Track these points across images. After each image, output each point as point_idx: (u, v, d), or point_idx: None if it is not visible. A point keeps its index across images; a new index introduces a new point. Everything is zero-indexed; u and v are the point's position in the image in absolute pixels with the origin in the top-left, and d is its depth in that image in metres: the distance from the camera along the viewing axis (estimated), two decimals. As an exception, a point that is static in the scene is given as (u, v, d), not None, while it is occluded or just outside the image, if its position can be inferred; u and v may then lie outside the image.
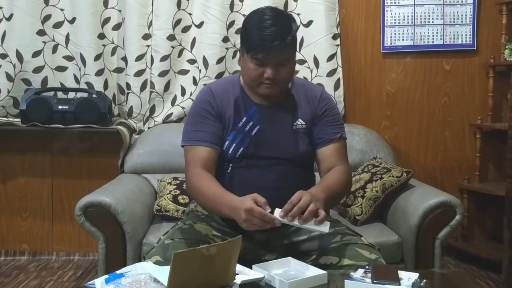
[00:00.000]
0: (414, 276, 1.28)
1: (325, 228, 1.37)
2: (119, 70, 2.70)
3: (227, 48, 2.66)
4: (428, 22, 2.74)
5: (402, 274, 1.29)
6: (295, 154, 1.60)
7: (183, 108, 2.69)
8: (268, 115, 1.62)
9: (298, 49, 2.68)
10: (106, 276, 1.26)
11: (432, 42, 2.76)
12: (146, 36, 2.66)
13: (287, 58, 1.53)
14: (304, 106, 1.65)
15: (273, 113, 1.62)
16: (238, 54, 1.84)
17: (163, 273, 1.21)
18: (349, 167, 1.66)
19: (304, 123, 1.63)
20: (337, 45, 2.70)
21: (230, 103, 1.62)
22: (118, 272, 1.29)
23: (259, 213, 1.33)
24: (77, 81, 2.69)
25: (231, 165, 1.60)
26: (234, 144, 1.59)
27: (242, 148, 1.58)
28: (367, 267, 1.33)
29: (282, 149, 1.59)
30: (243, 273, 1.29)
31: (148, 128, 2.71)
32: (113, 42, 2.69)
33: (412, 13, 2.74)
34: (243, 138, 1.59)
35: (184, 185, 2.21)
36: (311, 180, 1.68)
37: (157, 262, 1.44)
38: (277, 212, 1.36)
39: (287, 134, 1.61)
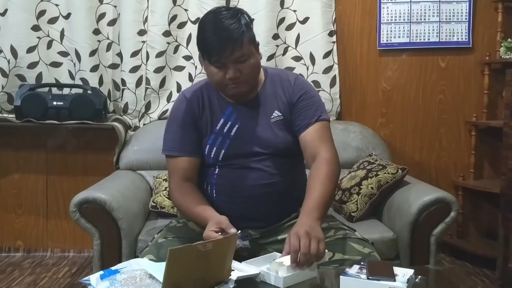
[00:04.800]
0: (409, 272, 1.28)
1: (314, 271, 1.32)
2: (114, 66, 2.69)
3: (223, 45, 2.66)
4: (424, 19, 2.75)
5: (397, 270, 1.29)
6: (277, 147, 1.58)
7: (178, 104, 2.69)
8: (245, 112, 1.60)
9: (294, 46, 2.68)
10: (101, 272, 1.26)
11: (428, 39, 2.76)
12: (142, 32, 2.65)
13: (244, 54, 1.49)
14: (281, 95, 1.62)
15: (250, 110, 1.61)
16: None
17: (158, 269, 1.21)
18: (333, 149, 1.55)
19: (280, 114, 1.60)
20: (333, 42, 2.70)
21: (206, 107, 1.61)
22: (113, 268, 1.28)
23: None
24: (72, 77, 2.68)
25: (217, 167, 1.60)
26: (215, 148, 1.58)
27: (223, 151, 1.58)
28: (362, 263, 1.33)
29: (263, 144, 1.57)
30: (239, 269, 1.29)
31: (144, 124, 2.70)
32: (108, 38, 2.68)
33: (408, 10, 2.74)
34: (223, 140, 1.58)
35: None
36: (300, 171, 1.66)
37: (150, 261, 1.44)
38: (282, 259, 1.30)
39: (265, 128, 1.59)
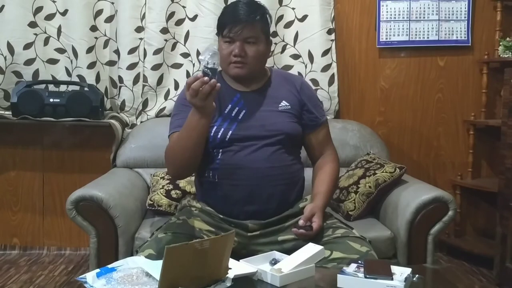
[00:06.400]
0: (407, 271, 1.28)
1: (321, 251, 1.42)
2: (111, 63, 2.68)
3: (221, 42, 2.65)
4: (424, 17, 2.74)
5: (394, 269, 1.29)
6: (283, 131, 1.63)
7: (176, 102, 2.68)
8: (252, 99, 1.66)
9: (293, 44, 2.68)
10: (98, 270, 1.25)
11: (427, 37, 2.75)
12: (139, 29, 2.63)
13: (254, 37, 1.60)
14: (286, 91, 1.71)
15: (257, 98, 1.67)
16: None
17: (155, 267, 1.21)
18: (335, 148, 1.79)
19: (288, 104, 1.68)
20: (332, 40, 2.69)
21: None
22: (109, 266, 1.28)
23: (193, 78, 1.41)
24: (68, 74, 2.66)
25: (221, 150, 1.61)
26: (222, 129, 1.61)
27: (231, 132, 1.61)
28: (359, 262, 1.33)
29: (270, 128, 1.62)
30: (236, 268, 1.28)
31: (141, 122, 2.69)
32: (105, 35, 2.66)
33: (407, 8, 2.73)
34: (230, 123, 1.63)
35: (177, 180, 2.20)
36: (299, 160, 1.73)
37: (150, 255, 1.45)
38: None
39: (274, 114, 1.65)
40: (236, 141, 1.60)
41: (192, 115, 1.49)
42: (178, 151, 1.56)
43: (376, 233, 1.98)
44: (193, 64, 2.66)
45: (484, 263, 2.56)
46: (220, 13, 1.70)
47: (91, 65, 2.64)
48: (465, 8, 2.74)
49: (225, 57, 1.62)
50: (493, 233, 2.39)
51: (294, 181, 1.66)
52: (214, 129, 1.61)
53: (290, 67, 2.67)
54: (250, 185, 1.57)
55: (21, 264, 2.64)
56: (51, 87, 2.64)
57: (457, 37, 2.76)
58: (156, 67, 2.65)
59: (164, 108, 2.68)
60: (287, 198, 1.64)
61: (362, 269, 1.27)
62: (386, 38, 2.76)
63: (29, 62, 2.64)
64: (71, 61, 2.65)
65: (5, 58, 2.61)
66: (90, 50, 2.63)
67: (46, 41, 2.64)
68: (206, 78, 1.40)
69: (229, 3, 1.71)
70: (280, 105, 1.67)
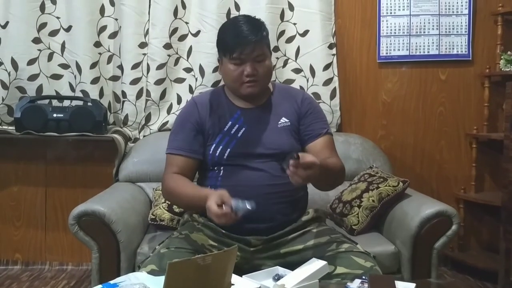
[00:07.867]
0: (411, 286, 1.28)
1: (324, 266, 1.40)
2: (115, 78, 2.70)
3: (223, 57, 2.67)
4: (424, 32, 2.76)
5: (399, 284, 1.28)
6: (282, 149, 1.62)
7: (179, 116, 2.69)
8: (253, 116, 1.67)
9: (294, 59, 2.69)
10: (100, 286, 1.25)
11: (428, 52, 2.77)
12: (143, 45, 2.65)
13: (263, 54, 1.62)
14: (287, 106, 1.71)
15: (258, 115, 1.68)
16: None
17: (157, 283, 1.20)
18: (341, 160, 1.72)
19: (288, 121, 1.68)
20: (333, 55, 2.70)
21: (214, 111, 1.67)
22: (112, 282, 1.27)
23: (223, 214, 1.40)
24: (72, 89, 2.68)
25: (222, 168, 1.61)
26: (221, 146, 1.62)
27: (229, 149, 1.62)
28: (364, 277, 1.32)
29: (269, 146, 1.63)
30: (239, 284, 1.27)
31: (144, 136, 2.70)
32: (109, 51, 2.69)
33: (407, 23, 2.75)
34: (229, 140, 1.63)
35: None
36: None
37: (152, 271, 1.44)
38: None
39: (273, 131, 1.66)
40: (235, 159, 1.61)
41: (202, 198, 1.46)
42: (174, 201, 1.71)
43: (380, 248, 1.97)
44: (196, 79, 2.68)
45: (489, 278, 2.53)
46: (220, 32, 1.69)
47: (95, 80, 2.66)
48: (466, 22, 2.76)
49: (236, 78, 1.62)
50: (497, 247, 2.37)
51: (296, 198, 1.65)
52: (213, 147, 1.62)
53: (292, 81, 2.68)
54: None
55: (23, 279, 2.63)
56: (55, 102, 2.66)
57: (457, 51, 2.78)
58: (159, 82, 2.67)
59: (167, 122, 2.69)
60: (289, 216, 1.63)
61: (366, 285, 1.26)
62: (387, 53, 2.78)
63: (33, 77, 2.66)
64: (75, 77, 2.67)
65: (9, 73, 2.63)
66: (94, 65, 2.65)
67: (50, 57, 2.67)
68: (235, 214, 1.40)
69: (229, 19, 1.72)
70: (279, 122, 1.67)
